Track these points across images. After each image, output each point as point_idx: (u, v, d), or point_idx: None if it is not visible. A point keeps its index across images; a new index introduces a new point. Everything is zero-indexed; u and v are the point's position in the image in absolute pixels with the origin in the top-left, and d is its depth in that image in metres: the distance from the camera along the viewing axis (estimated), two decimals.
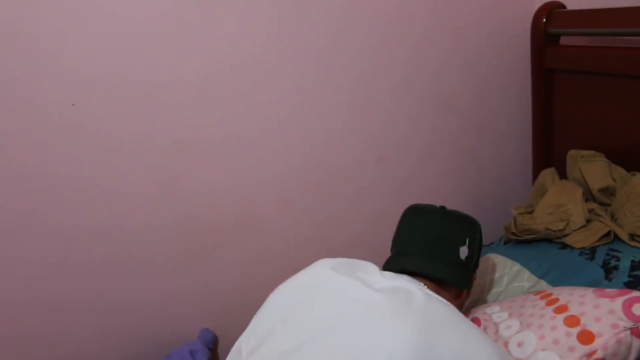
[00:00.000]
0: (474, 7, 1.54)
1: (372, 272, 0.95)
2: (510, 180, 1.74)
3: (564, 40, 1.54)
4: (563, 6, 1.52)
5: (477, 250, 1.10)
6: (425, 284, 0.98)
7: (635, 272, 1.13)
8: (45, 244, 1.27)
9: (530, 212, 1.44)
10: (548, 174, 1.51)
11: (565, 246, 1.31)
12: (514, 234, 1.40)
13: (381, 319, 0.81)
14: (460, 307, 1.12)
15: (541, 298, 1.07)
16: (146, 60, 1.23)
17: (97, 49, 1.18)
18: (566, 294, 1.03)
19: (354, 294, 0.87)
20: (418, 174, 1.61)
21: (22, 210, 1.23)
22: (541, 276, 1.26)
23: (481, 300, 1.30)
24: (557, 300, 1.03)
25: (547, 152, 1.63)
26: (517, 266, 1.32)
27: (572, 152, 1.47)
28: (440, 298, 0.91)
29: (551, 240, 1.36)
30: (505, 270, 1.32)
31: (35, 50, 1.14)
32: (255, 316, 0.97)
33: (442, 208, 1.11)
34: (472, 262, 1.09)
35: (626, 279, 1.13)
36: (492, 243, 1.55)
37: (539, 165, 1.65)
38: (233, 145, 1.37)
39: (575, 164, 1.43)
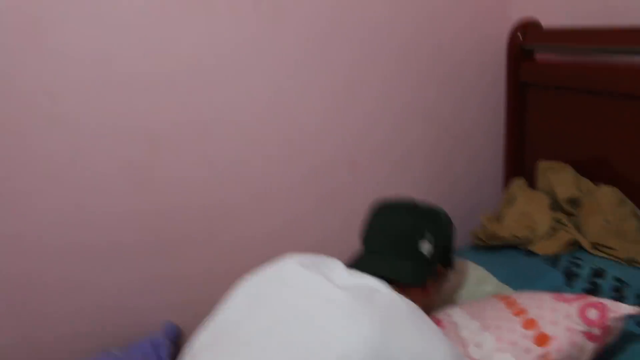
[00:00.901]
0: (454, 22, 1.59)
1: (337, 269, 0.96)
2: (482, 189, 1.78)
3: (538, 57, 1.59)
4: (538, 23, 1.57)
5: (443, 243, 1.11)
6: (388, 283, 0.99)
7: (594, 279, 1.17)
8: (13, 227, 1.27)
9: (499, 220, 1.47)
10: (518, 184, 1.55)
11: (530, 253, 1.35)
12: (481, 239, 1.44)
13: (341, 315, 0.81)
14: (431, 303, 1.14)
15: (501, 300, 1.10)
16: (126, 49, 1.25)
17: (76, 36, 1.20)
18: (526, 298, 1.06)
19: (317, 289, 0.87)
20: (391, 181, 1.64)
21: None
22: (505, 281, 1.29)
23: (447, 303, 1.33)
24: (516, 303, 1.06)
25: (519, 163, 1.68)
26: (482, 271, 1.35)
27: (541, 164, 1.51)
28: (402, 297, 0.92)
29: (517, 247, 1.39)
30: (470, 275, 1.35)
31: (16, 37, 1.16)
32: (218, 306, 0.96)
33: (409, 202, 1.13)
34: (437, 256, 1.10)
35: (585, 285, 1.17)
36: (460, 248, 1.58)
37: (510, 176, 1.69)
38: (208, 138, 1.40)
39: (545, 175, 1.47)
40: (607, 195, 1.30)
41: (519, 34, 1.57)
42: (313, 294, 0.87)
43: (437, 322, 1.11)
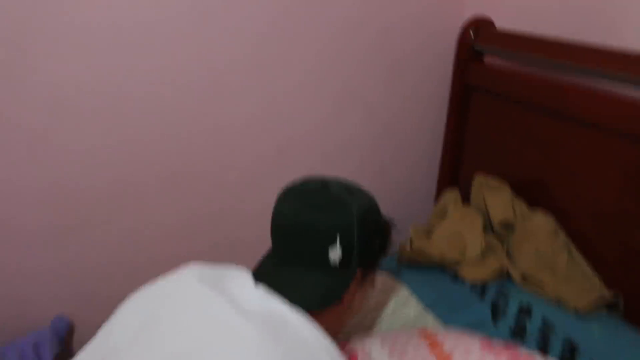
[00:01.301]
0: (404, 6, 1.43)
1: (243, 286, 0.81)
2: (415, 196, 1.68)
3: (487, 60, 1.47)
4: (491, 23, 1.45)
5: (364, 242, 0.84)
6: None
7: (521, 317, 1.09)
8: None
9: (428, 234, 1.37)
10: (451, 196, 1.45)
11: (457, 277, 1.26)
12: (407, 256, 1.33)
13: (242, 351, 0.69)
14: (350, 313, 0.94)
15: (426, 339, 0.99)
16: None
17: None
18: (452, 341, 0.97)
19: (218, 316, 0.73)
20: (318, 172, 1.49)
21: None
22: (429, 305, 1.20)
23: (365, 323, 1.22)
24: (441, 346, 0.96)
25: (454, 170, 1.58)
26: (406, 291, 1.26)
27: (479, 178, 1.42)
28: (314, 327, 0.77)
29: (444, 267, 1.30)
30: (393, 294, 1.25)
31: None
32: (103, 326, 0.80)
33: (320, 187, 0.87)
34: (356, 260, 0.84)
35: (512, 324, 1.09)
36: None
37: (444, 183, 1.60)
38: (117, 109, 1.20)
39: (480, 191, 1.37)
40: (541, 223, 1.23)
41: (470, 31, 1.44)
42: (212, 321, 0.72)
43: (352, 357, 1.00)
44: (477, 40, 1.43)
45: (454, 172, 1.58)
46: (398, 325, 1.20)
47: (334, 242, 0.81)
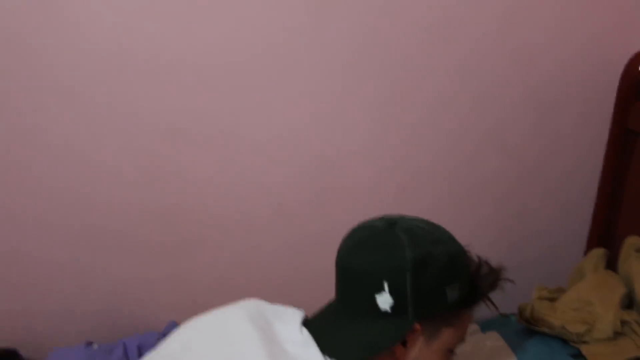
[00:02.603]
0: (558, 38, 1.27)
1: (289, 329, 0.80)
2: (556, 249, 1.46)
3: None
4: None
5: (420, 293, 0.74)
6: None
7: None
8: (29, 205, 1.26)
9: (554, 299, 1.18)
10: (593, 257, 1.23)
11: (579, 356, 1.06)
12: (525, 319, 1.16)
13: None
14: None
15: None
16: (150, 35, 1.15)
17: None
18: None
19: (248, 353, 0.74)
20: (452, 217, 1.38)
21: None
22: None
23: None
24: None
25: (607, 226, 1.34)
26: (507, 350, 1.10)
27: (631, 239, 1.18)
28: None
29: (565, 340, 1.10)
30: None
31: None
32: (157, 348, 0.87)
33: (386, 224, 0.79)
34: (410, 311, 0.75)
35: None
36: (508, 316, 1.31)
37: (593, 240, 1.36)
38: (232, 141, 1.27)
39: (629, 257, 1.14)
40: None
41: (639, 66, 1.21)
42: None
43: None
44: None
45: (607, 229, 1.34)
46: None
47: (381, 287, 0.74)
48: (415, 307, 0.74)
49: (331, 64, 1.23)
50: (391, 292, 0.73)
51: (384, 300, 0.73)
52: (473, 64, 1.27)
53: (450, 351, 0.82)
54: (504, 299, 1.08)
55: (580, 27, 1.28)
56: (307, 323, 0.82)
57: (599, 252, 1.25)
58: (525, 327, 1.18)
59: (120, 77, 1.18)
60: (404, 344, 0.77)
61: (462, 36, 1.24)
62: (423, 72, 1.26)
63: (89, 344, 1.28)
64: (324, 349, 0.75)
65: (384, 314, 0.74)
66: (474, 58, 1.27)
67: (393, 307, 0.74)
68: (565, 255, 1.47)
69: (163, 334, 1.35)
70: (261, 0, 1.15)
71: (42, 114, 1.18)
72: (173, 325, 1.39)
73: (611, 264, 1.24)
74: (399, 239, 0.75)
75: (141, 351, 1.28)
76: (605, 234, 1.35)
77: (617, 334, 1.05)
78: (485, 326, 1.28)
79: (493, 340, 1.17)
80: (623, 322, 1.06)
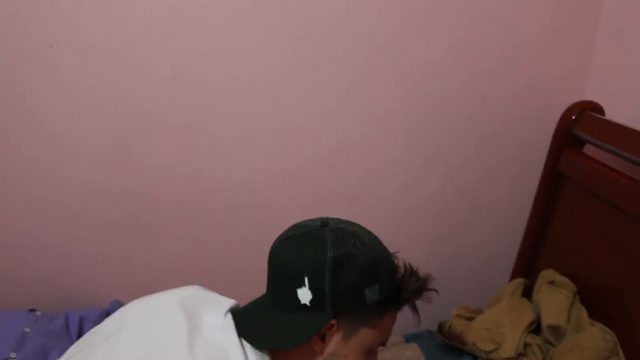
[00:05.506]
0: (509, 81, 1.40)
1: (214, 314, 0.85)
2: (486, 272, 1.58)
3: (589, 150, 1.34)
4: (601, 111, 1.32)
5: (338, 291, 0.78)
6: None
7: None
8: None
9: (471, 318, 1.29)
10: (513, 285, 1.34)
11: None
12: (443, 335, 1.26)
13: None
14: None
15: None
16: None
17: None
18: None
19: (169, 337, 0.80)
20: (387, 229, 1.48)
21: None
22: None
23: None
24: None
25: (531, 258, 1.45)
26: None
27: (546, 272, 1.29)
28: None
29: (477, 358, 1.20)
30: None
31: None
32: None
33: (319, 224, 0.83)
34: (326, 305, 0.79)
35: None
36: (433, 332, 1.40)
37: (519, 270, 1.48)
38: (197, 134, 1.36)
39: (540, 288, 1.25)
40: (595, 339, 1.07)
41: (572, 116, 1.33)
42: (162, 340, 0.80)
43: None
44: (577, 126, 1.32)
45: (531, 260, 1.45)
46: None
47: (302, 281, 0.78)
48: (333, 303, 0.78)
49: (286, 75, 1.32)
50: (310, 287, 0.78)
51: (304, 295, 0.78)
52: (422, 89, 1.37)
53: (370, 351, 0.85)
54: (434, 316, 1.18)
55: (529, 70, 1.40)
56: (235, 312, 0.87)
57: (518, 281, 1.36)
58: (443, 342, 1.28)
59: (99, 63, 1.24)
60: (323, 338, 0.81)
61: (412, 61, 1.34)
62: (372, 93, 1.36)
63: (32, 310, 1.33)
64: (243, 336, 0.81)
65: (304, 307, 0.79)
66: (423, 83, 1.37)
67: (312, 302, 0.78)
68: (493, 278, 1.59)
69: (106, 312, 1.40)
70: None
71: (14, 90, 1.24)
72: (116, 304, 1.45)
73: (529, 293, 1.35)
74: (324, 237, 0.80)
75: (82, 324, 1.33)
76: (529, 265, 1.46)
77: (520, 355, 1.15)
78: (410, 339, 1.37)
79: (412, 350, 1.27)
80: (527, 345, 1.16)
